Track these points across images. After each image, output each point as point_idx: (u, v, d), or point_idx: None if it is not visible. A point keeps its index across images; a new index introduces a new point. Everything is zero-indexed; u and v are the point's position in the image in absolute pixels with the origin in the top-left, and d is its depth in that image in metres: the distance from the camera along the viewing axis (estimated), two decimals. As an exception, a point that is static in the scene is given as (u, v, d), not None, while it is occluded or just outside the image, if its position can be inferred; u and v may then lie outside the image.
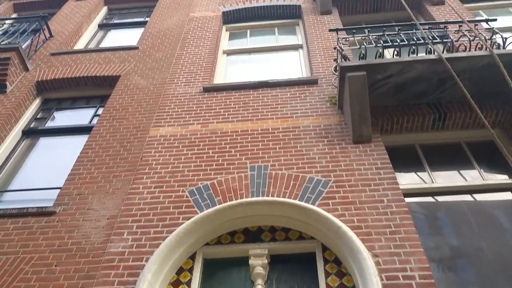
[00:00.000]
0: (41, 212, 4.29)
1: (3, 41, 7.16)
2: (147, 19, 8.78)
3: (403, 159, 4.80)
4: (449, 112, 4.89)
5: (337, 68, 5.16)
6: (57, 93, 6.75)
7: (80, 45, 8.14)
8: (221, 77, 6.72)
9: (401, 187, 4.21)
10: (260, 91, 5.85)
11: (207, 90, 5.98)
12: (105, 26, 9.05)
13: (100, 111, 6.29)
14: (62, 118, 6.39)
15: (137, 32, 8.28)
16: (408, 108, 5.04)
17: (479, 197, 4.33)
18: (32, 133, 6.08)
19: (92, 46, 8.30)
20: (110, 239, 3.93)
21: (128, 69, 6.70)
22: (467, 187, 4.36)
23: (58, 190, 4.65)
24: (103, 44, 8.32)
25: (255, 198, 4.13)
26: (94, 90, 6.69)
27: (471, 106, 4.21)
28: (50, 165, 5.43)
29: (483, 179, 4.45)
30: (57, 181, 4.96)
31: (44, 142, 5.94)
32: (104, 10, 9.52)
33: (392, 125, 5.00)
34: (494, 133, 3.95)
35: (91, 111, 6.38)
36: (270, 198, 4.10)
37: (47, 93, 6.75)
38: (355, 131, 4.68)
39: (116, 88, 6.30)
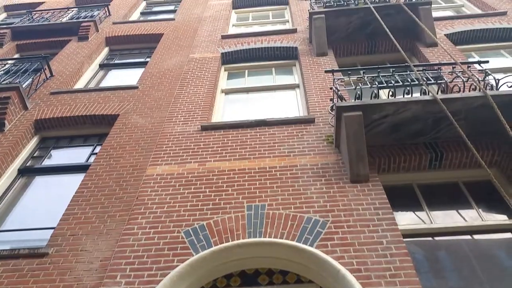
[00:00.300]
0: (33, 254, 4.19)
1: (4, 80, 7.27)
2: (148, 59, 8.98)
3: (401, 198, 4.76)
4: (445, 152, 4.91)
5: (334, 108, 5.23)
6: (55, 132, 6.77)
7: (80, 84, 8.26)
8: (219, 116, 6.78)
9: (400, 227, 4.15)
10: (258, 129, 5.89)
11: (205, 128, 6.02)
12: (106, 66, 9.22)
13: (97, 149, 6.29)
14: (59, 156, 6.38)
15: (138, 72, 8.43)
16: (405, 147, 5.06)
17: (479, 237, 4.27)
18: (28, 172, 6.04)
19: (92, 85, 8.42)
20: (103, 282, 3.82)
21: (127, 108, 6.77)
22: (467, 228, 4.30)
23: (52, 230, 4.57)
24: (103, 84, 8.45)
25: (252, 239, 4.06)
26: (93, 128, 6.73)
27: (468, 146, 4.23)
28: (45, 204, 5.36)
29: (482, 220, 4.40)
30: (51, 221, 4.89)
31: (39, 181, 5.89)
32: (105, 50, 9.76)
33: (389, 165, 5.00)
34: (491, 173, 3.94)
35: (89, 150, 6.38)
36: (267, 239, 4.03)
37: (45, 132, 6.78)
38: (352, 170, 4.68)
39: (115, 126, 6.33)
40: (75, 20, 10.18)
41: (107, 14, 11.18)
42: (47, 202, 5.39)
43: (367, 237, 3.95)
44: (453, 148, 4.95)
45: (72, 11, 11.57)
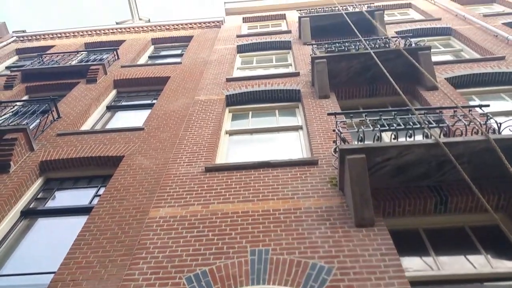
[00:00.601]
0: (32, 301, 4.10)
1: (12, 122, 7.41)
2: (154, 101, 9.18)
3: (408, 244, 4.67)
4: (450, 196, 4.87)
5: (337, 150, 5.25)
6: (60, 173, 6.82)
7: (86, 126, 8.41)
8: (223, 157, 6.82)
9: (407, 274, 4.05)
10: (262, 171, 5.89)
11: (209, 170, 6.04)
12: (113, 108, 9.41)
13: (101, 191, 6.30)
14: (63, 198, 6.38)
15: (144, 114, 8.60)
16: (410, 190, 5.03)
17: (490, 285, 4.15)
18: (30, 214, 6.02)
19: (98, 127, 8.57)
20: (101, 331, 3.70)
21: (132, 149, 6.84)
22: (476, 275, 4.18)
23: (52, 275, 4.49)
24: (110, 125, 8.59)
25: (255, 287, 3.96)
26: (97, 170, 6.77)
27: (473, 190, 4.20)
28: (46, 248, 5.30)
29: (492, 267, 4.28)
30: (52, 265, 4.81)
31: (42, 223, 5.86)
32: (113, 93, 10.01)
33: (394, 208, 4.95)
34: (499, 218, 3.89)
35: (92, 191, 6.38)
36: (271, 287, 3.93)
37: (50, 173, 6.82)
38: (357, 214, 4.63)
39: (119, 168, 6.37)
40: (84, 63, 10.51)
41: (116, 57, 11.56)
42: (48, 245, 5.33)
43: (374, 285, 3.84)
44: (458, 191, 4.91)
45: (82, 54, 11.98)
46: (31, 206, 6.19)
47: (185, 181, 5.88)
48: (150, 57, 12.87)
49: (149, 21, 16.54)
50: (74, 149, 6.97)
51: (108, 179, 6.38)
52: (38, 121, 7.99)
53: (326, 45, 9.11)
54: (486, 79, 8.31)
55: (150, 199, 5.58)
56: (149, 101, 9.41)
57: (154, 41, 13.68)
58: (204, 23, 14.22)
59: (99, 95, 9.30)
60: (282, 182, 5.61)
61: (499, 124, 4.91)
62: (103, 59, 10.92)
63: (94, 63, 10.42)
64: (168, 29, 14.25)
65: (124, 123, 8.36)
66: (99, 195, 6.05)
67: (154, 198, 5.58)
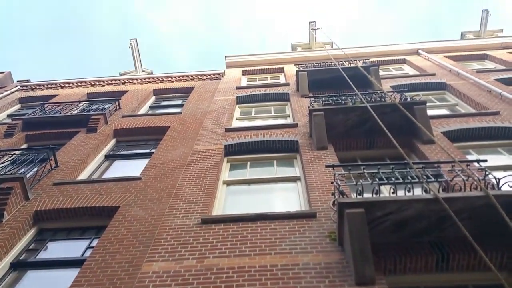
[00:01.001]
0: None
1: (9, 170, 7.37)
2: (153, 150, 9.21)
3: (410, 304, 4.50)
4: (451, 253, 4.75)
5: (335, 203, 5.20)
6: (53, 223, 6.69)
7: (84, 175, 8.37)
8: (220, 208, 6.73)
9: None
10: (259, 223, 5.79)
11: (205, 222, 5.93)
12: (111, 157, 9.43)
13: (94, 242, 6.15)
14: (55, 249, 6.21)
15: (142, 163, 8.56)
16: (411, 246, 4.91)
17: None
18: (20, 266, 5.82)
19: (95, 176, 8.53)
20: None
21: (128, 199, 6.75)
22: None
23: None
24: (107, 174, 8.55)
25: None
26: (91, 220, 6.65)
27: (474, 247, 4.10)
28: (33, 303, 5.07)
29: (499, 330, 4.09)
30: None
31: (32, 276, 5.66)
32: (112, 142, 10.08)
33: (395, 265, 4.80)
34: (503, 278, 3.76)
35: (85, 243, 6.22)
36: None
37: (43, 223, 6.69)
38: (357, 271, 4.48)
39: (114, 219, 6.26)
40: (85, 113, 10.65)
41: (118, 107, 11.75)
42: (35, 301, 5.11)
43: None
44: (459, 248, 4.79)
45: (84, 104, 12.18)
46: (21, 258, 6.00)
47: (180, 234, 5.75)
48: (151, 107, 13.10)
49: (151, 72, 17.00)
50: (70, 199, 6.88)
51: (102, 230, 6.24)
52: (35, 169, 7.95)
53: (323, 98, 9.31)
54: (482, 134, 8.41)
55: (143, 252, 5.43)
56: (147, 150, 9.45)
57: (156, 91, 13.98)
58: (205, 75, 14.63)
59: (98, 144, 9.35)
60: (280, 235, 5.49)
61: (497, 180, 4.90)
62: (104, 108, 11.11)
63: (96, 113, 10.59)
64: (170, 80, 14.62)
65: (121, 172, 8.31)
66: (92, 247, 5.90)
67: (147, 251, 5.44)
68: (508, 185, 4.88)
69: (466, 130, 8.44)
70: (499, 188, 4.88)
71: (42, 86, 15.05)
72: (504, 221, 4.08)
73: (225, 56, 16.10)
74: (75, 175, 8.11)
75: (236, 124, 10.62)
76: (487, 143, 8.26)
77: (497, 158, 7.70)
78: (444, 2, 62.71)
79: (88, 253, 5.85)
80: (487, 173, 5.03)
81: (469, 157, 7.49)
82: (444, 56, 14.85)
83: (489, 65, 14.35)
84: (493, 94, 10.31)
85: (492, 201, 4.25)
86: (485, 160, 5.42)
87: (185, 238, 5.65)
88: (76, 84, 14.90)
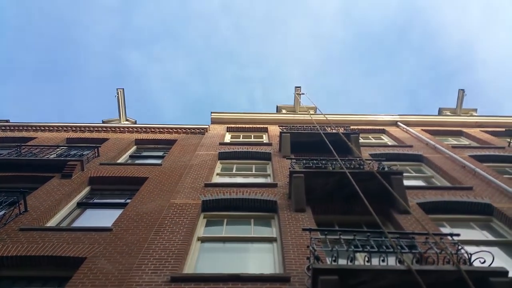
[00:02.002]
0: None
1: (-25, 213, 7.05)
2: (128, 201, 9.00)
3: None
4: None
5: (310, 268, 5.12)
6: (15, 271, 6.33)
7: (53, 222, 8.05)
8: (192, 266, 6.51)
9: None
10: (231, 284, 5.61)
11: (174, 280, 5.72)
12: (83, 205, 9.12)
13: (56, 295, 5.80)
14: (11, 301, 5.81)
15: (115, 213, 8.30)
16: (383, 319, 4.80)
17: None
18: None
19: (65, 224, 8.19)
20: None
21: (96, 251, 6.49)
22: None
23: None
24: (77, 223, 8.22)
25: None
26: (56, 271, 6.32)
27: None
28: None
29: None
30: None
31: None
32: (86, 189, 9.80)
33: (367, 338, 4.66)
34: None
35: (46, 295, 5.87)
36: None
37: (3, 271, 6.31)
38: None
39: (79, 271, 5.97)
40: (62, 158, 10.43)
41: (96, 154, 11.58)
42: None
43: None
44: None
45: (62, 149, 11.97)
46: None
47: (147, 292, 5.49)
48: (131, 157, 12.98)
49: (135, 122, 17.06)
50: (36, 246, 6.56)
51: (65, 282, 5.91)
52: (3, 213, 7.62)
53: (304, 161, 9.47)
54: (456, 207, 8.59)
55: (106, 309, 5.14)
56: (122, 201, 9.20)
57: (138, 141, 13.95)
58: (189, 128, 14.76)
59: (72, 191, 9.10)
60: (252, 300, 5.30)
61: (470, 255, 4.94)
62: (83, 155, 10.94)
63: (73, 158, 10.38)
64: (153, 131, 14.64)
65: (92, 222, 8.03)
66: (52, 300, 5.56)
67: (111, 308, 5.15)
68: (480, 261, 4.93)
69: (441, 203, 8.61)
70: (470, 264, 4.92)
71: (21, 128, 14.80)
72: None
73: (211, 112, 16.43)
74: (43, 222, 7.79)
75: (216, 179, 10.59)
76: (461, 217, 8.42)
77: (469, 233, 7.83)
78: (425, 78, 66.72)
79: (47, 306, 5.49)
80: (459, 247, 5.09)
81: (443, 230, 7.58)
82: (422, 129, 15.49)
83: (464, 141, 14.99)
84: (467, 170, 10.67)
85: (464, 276, 4.26)
86: (458, 234, 5.50)
87: (152, 298, 5.39)
88: (56, 128, 14.72)
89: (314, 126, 13.08)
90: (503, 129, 15.14)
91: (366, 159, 9.41)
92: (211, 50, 67.49)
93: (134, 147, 13.75)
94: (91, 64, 64.51)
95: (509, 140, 13.53)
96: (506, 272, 4.79)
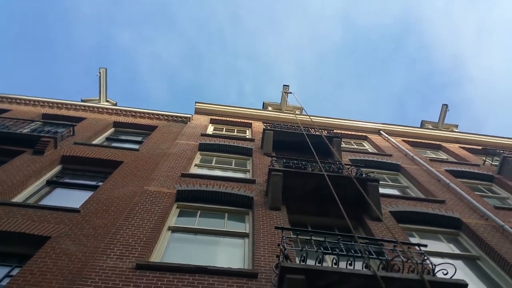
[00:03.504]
0: None
1: None
2: (100, 183, 8.80)
3: None
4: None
5: (278, 266, 5.11)
6: (-27, 246, 6.10)
7: (20, 198, 7.82)
8: (159, 255, 6.41)
9: None
10: (197, 276, 5.55)
11: (140, 267, 5.62)
12: (53, 183, 8.87)
13: (15, 271, 5.64)
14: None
15: (85, 195, 8.12)
16: (345, 322, 4.81)
17: None
18: None
19: (32, 201, 7.96)
20: None
21: (61, 231, 6.33)
22: None
23: None
24: (45, 201, 7.99)
25: None
26: (17, 247, 6.14)
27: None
28: None
29: None
30: None
31: None
32: (58, 168, 9.53)
33: None
34: None
35: (5, 270, 5.71)
36: None
37: (-39, 243, 6.09)
38: None
39: (42, 250, 5.83)
40: (35, 134, 10.10)
41: (71, 133, 11.26)
42: None
43: None
44: (392, 331, 4.74)
45: (36, 124, 11.63)
46: None
47: (110, 276, 5.40)
48: (107, 139, 12.70)
49: (115, 104, 16.63)
50: (-2, 221, 6.36)
51: (26, 260, 5.76)
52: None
53: (284, 160, 9.45)
54: (427, 219, 8.73)
55: (66, 290, 5.02)
56: (94, 183, 9.01)
57: (116, 124, 13.66)
58: (172, 116, 14.55)
59: (42, 168, 8.85)
60: (216, 293, 5.25)
61: (434, 266, 5.00)
62: (57, 132, 10.61)
63: (47, 135, 10.08)
64: (134, 115, 14.36)
65: (61, 201, 7.77)
66: (11, 276, 5.44)
67: (71, 290, 5.03)
68: (443, 272, 5.01)
69: (413, 213, 8.73)
70: (434, 274, 4.99)
71: (-5, 99, 14.32)
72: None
73: (196, 102, 16.22)
74: (10, 196, 7.56)
75: (194, 170, 10.47)
76: (430, 228, 8.56)
77: (436, 244, 7.97)
78: (414, 89, 67.82)
79: (5, 282, 5.33)
80: (425, 258, 5.15)
81: (412, 240, 7.69)
82: (403, 140, 15.69)
83: (442, 155, 15.25)
84: (441, 183, 10.85)
85: (426, 286, 4.30)
86: (425, 245, 5.57)
87: (115, 282, 5.31)
88: (32, 102, 14.25)
89: (298, 126, 13.07)
90: (480, 148, 15.46)
91: (346, 164, 9.45)
92: (204, 37, 66.84)
93: (112, 130, 13.46)
94: (77, 39, 62.67)
95: (484, 158, 13.83)
96: (466, 285, 4.91)
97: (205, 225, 7.57)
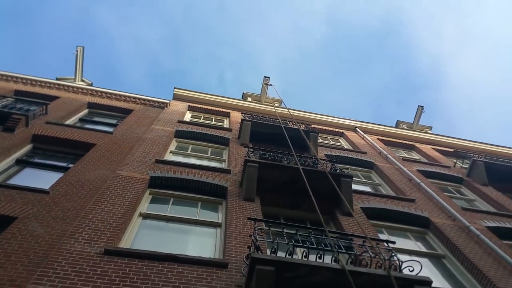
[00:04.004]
0: None
1: None
2: (71, 165, 8.57)
3: None
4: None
5: (249, 257, 5.13)
6: None
7: (-14, 175, 7.54)
8: (128, 241, 6.32)
9: None
10: (166, 264, 5.51)
11: (108, 252, 5.53)
12: (23, 163, 8.58)
13: (-24, 252, 5.42)
14: None
15: (55, 176, 7.88)
16: (311, 314, 4.89)
17: None
18: None
19: (-1, 179, 7.70)
20: None
21: (29, 212, 6.15)
22: None
23: None
24: (13, 181, 7.71)
25: None
26: (-21, 227, 5.91)
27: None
28: None
29: None
30: None
31: None
32: (28, 147, 9.22)
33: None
34: None
35: (-34, 251, 5.48)
36: None
37: None
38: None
39: (7, 231, 5.66)
40: (6, 110, 9.74)
41: (44, 112, 10.90)
42: None
43: None
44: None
45: (8, 100, 11.20)
46: None
47: (77, 260, 5.29)
48: (81, 120, 12.37)
49: (91, 85, 16.16)
50: (-39, 198, 6.11)
51: (-10, 241, 5.56)
52: None
53: (261, 151, 9.45)
54: (396, 216, 8.94)
55: (31, 273, 4.95)
56: (64, 164, 8.77)
57: (91, 105, 13.29)
58: (149, 100, 14.27)
59: (12, 146, 8.53)
60: (186, 280, 5.26)
61: (401, 262, 5.13)
62: (29, 110, 10.25)
63: (18, 112, 9.74)
64: (109, 97, 13.99)
65: (30, 182, 7.50)
66: (-27, 257, 5.21)
67: (36, 272, 4.95)
68: (409, 269, 5.15)
69: (383, 210, 8.93)
70: (400, 270, 5.13)
71: (-36, 72, 13.64)
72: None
73: (174, 88, 15.97)
74: (-25, 173, 7.29)
75: (168, 157, 10.34)
76: (399, 226, 8.78)
77: (404, 242, 8.20)
78: (394, 88, 69.04)
79: (-35, 264, 5.13)
80: (393, 254, 5.27)
81: (381, 236, 7.86)
82: (378, 138, 15.96)
83: (415, 156, 15.62)
84: (412, 183, 11.12)
85: (392, 281, 4.41)
86: (394, 242, 5.72)
87: (82, 267, 5.21)
88: (5, 78, 13.63)
89: (276, 119, 13.10)
90: (452, 150, 15.92)
91: (321, 159, 9.54)
92: (188, 22, 65.74)
93: (86, 111, 13.09)
94: (57, 12, 60.41)
95: (455, 161, 14.25)
96: (430, 282, 5.07)
97: (177, 213, 7.51)
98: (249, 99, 18.22)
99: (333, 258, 5.11)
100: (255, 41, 68.36)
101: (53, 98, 12.86)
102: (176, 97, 15.92)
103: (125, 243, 6.22)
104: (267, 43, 68.23)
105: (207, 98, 16.11)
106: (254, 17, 64.89)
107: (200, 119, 14.78)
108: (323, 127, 16.19)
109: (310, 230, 5.68)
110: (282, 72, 67.79)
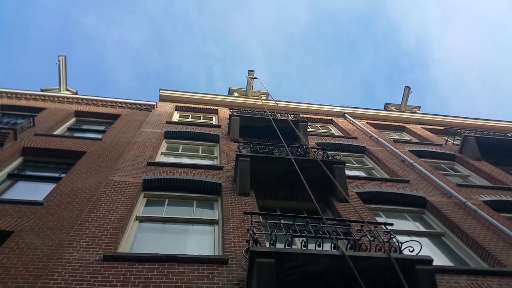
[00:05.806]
0: None
1: None
2: (63, 175, 8.50)
3: None
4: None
5: (248, 251, 5.15)
6: None
7: (-22, 192, 7.45)
8: (127, 246, 6.31)
9: None
10: (167, 265, 5.51)
11: (107, 258, 5.51)
12: (15, 176, 8.52)
13: (-24, 270, 5.37)
14: None
15: (48, 187, 7.80)
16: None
17: None
18: None
19: (-8, 195, 7.61)
20: None
21: (25, 225, 6.10)
22: None
23: None
24: (6, 195, 7.65)
25: None
26: (-23, 245, 5.85)
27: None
28: None
29: None
30: None
31: None
32: (19, 160, 9.15)
33: (298, 321, 4.77)
34: None
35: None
36: None
37: None
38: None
39: (4, 245, 5.62)
40: (-7, 126, 9.67)
41: (32, 124, 10.81)
42: None
43: None
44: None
45: (-6, 116, 11.08)
46: None
47: (77, 269, 5.27)
48: (69, 129, 12.26)
49: (76, 93, 15.99)
50: (-45, 217, 6.04)
51: (-12, 257, 5.51)
52: None
53: (251, 145, 9.46)
54: (392, 199, 9.01)
55: (32, 285, 4.92)
56: (56, 175, 8.71)
57: (78, 113, 13.18)
58: (135, 104, 14.16)
59: (3, 161, 8.44)
60: (187, 280, 5.26)
61: (400, 244, 5.18)
62: (17, 123, 10.18)
63: (5, 126, 9.66)
64: (96, 104, 13.87)
65: (23, 195, 7.45)
66: (-28, 274, 5.17)
67: (37, 285, 4.93)
68: (409, 249, 5.19)
69: (379, 194, 8.99)
70: (400, 252, 5.17)
71: (-51, 89, 13.45)
72: (401, 285, 4.28)
73: (160, 89, 15.86)
74: (-32, 191, 7.19)
75: (160, 158, 10.30)
76: (396, 207, 8.85)
77: (402, 223, 8.27)
78: (382, 72, 69.29)
79: (-35, 282, 5.08)
80: (392, 236, 5.32)
81: (378, 219, 7.93)
82: (367, 122, 16.04)
83: (406, 136, 15.74)
84: (405, 164, 11.21)
85: (393, 263, 4.46)
86: (391, 224, 5.76)
87: (82, 275, 5.19)
88: (-11, 93, 13.54)
89: (264, 112, 13.09)
90: (442, 128, 16.03)
91: (312, 148, 9.57)
92: (170, 20, 65.12)
93: (74, 119, 12.99)
94: (34, 24, 59.37)
95: (446, 138, 14.38)
96: (431, 261, 5.09)
97: (173, 214, 7.50)
98: (235, 94, 18.17)
99: (332, 245, 5.14)
100: (239, 34, 68.04)
101: (40, 109, 12.71)
102: (163, 98, 15.82)
103: (124, 247, 6.21)
104: (252, 34, 67.97)
105: (193, 96, 16.04)
106: (236, 9, 64.48)
107: (188, 118, 14.73)
108: (312, 116, 16.22)
109: (307, 219, 5.70)
110: (269, 63, 67.68)
